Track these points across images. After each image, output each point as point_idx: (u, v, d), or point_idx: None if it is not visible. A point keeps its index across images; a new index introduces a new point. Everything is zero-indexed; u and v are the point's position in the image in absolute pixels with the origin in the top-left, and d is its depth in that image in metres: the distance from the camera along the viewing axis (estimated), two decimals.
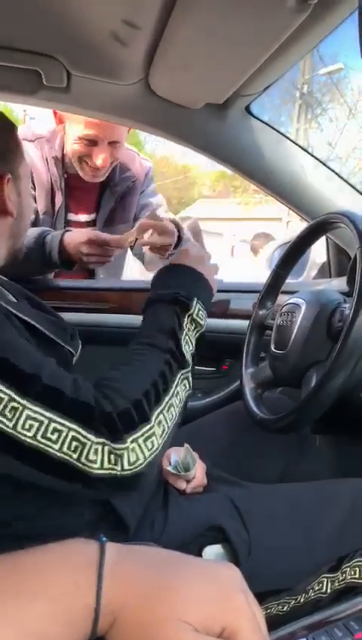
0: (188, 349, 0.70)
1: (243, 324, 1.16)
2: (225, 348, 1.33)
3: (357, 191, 1.35)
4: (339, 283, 1.36)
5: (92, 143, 1.37)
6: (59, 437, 0.55)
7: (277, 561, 0.74)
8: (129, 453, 0.57)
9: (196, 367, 1.34)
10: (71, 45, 0.92)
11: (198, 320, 0.72)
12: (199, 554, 0.72)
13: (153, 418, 0.60)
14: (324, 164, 1.32)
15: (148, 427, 0.59)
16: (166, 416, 0.62)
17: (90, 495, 0.61)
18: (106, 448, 0.56)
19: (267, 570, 0.72)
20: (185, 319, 0.71)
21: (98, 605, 0.35)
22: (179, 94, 1.08)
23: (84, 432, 0.55)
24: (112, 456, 0.56)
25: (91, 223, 1.57)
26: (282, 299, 1.03)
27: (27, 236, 1.14)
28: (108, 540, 0.39)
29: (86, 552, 0.38)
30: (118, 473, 0.56)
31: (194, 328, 0.72)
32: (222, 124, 1.17)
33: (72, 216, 1.55)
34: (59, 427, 0.55)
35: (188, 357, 0.69)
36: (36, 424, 0.54)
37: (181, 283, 0.75)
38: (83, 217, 1.56)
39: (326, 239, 1.48)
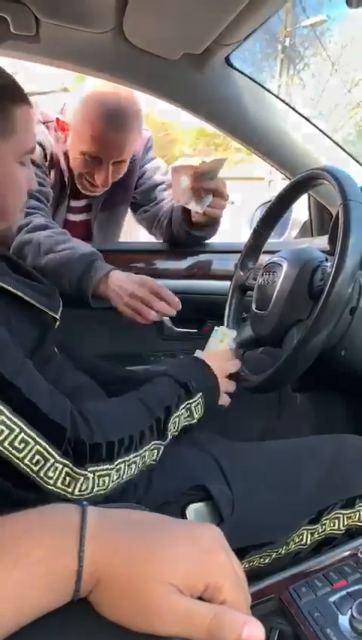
0: (171, 428, 0.74)
1: (225, 284, 1.14)
2: (207, 309, 1.32)
3: (341, 147, 1.33)
4: (321, 242, 1.35)
5: (95, 160, 1.23)
6: (24, 448, 0.56)
7: (259, 516, 0.76)
8: (83, 480, 0.60)
9: (178, 329, 1.36)
10: None
11: (193, 412, 0.79)
12: (182, 512, 0.73)
13: (115, 463, 0.64)
14: (307, 120, 1.29)
15: (108, 467, 0.63)
16: (125, 468, 0.66)
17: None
18: (65, 470, 0.59)
19: (249, 526, 0.74)
20: (183, 405, 0.77)
21: (80, 567, 0.35)
22: (155, 43, 1.03)
23: (50, 449, 0.58)
24: (68, 479, 0.59)
25: (86, 208, 1.45)
26: (264, 259, 1.01)
27: (73, 247, 1.11)
28: (89, 505, 0.39)
29: (66, 516, 0.38)
30: (68, 496, 0.59)
31: (187, 417, 0.78)
32: (201, 76, 1.12)
33: (73, 202, 1.42)
34: (27, 439, 0.57)
35: (169, 434, 0.74)
36: (7, 431, 0.55)
37: (198, 377, 0.82)
38: (81, 203, 1.44)
39: (309, 197, 1.46)
